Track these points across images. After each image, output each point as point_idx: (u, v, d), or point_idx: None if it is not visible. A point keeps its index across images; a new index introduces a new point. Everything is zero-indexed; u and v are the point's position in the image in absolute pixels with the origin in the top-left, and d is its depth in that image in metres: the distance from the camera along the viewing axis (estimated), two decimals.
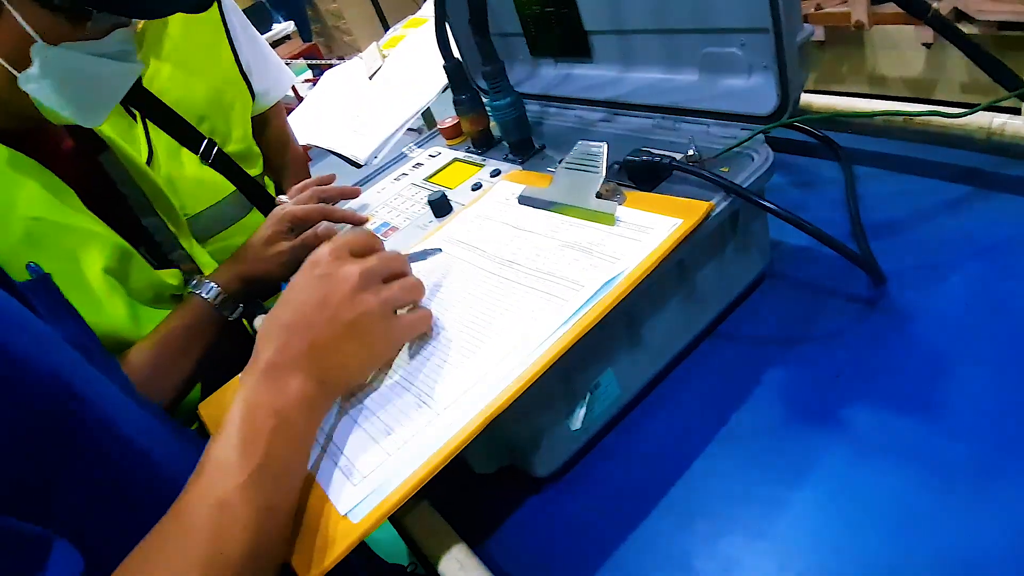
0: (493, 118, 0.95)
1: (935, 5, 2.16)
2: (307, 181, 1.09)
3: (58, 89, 0.77)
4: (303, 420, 0.53)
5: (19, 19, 0.72)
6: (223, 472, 0.47)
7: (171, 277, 1.01)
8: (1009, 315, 0.66)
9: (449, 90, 1.03)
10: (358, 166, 1.66)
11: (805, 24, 0.72)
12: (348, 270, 0.60)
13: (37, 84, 0.76)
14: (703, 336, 0.78)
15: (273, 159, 1.51)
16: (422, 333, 0.66)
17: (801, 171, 1.01)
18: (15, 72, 0.75)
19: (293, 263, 0.98)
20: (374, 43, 2.11)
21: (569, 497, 0.68)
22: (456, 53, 1.04)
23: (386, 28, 3.81)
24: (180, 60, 1.28)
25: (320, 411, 0.57)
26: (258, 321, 1.03)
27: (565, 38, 1.00)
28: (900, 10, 2.06)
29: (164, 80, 1.25)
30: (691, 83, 0.87)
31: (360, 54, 2.21)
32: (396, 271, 0.65)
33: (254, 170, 1.40)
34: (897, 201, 0.87)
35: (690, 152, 0.75)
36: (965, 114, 0.78)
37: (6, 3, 0.72)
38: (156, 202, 1.04)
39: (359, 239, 0.65)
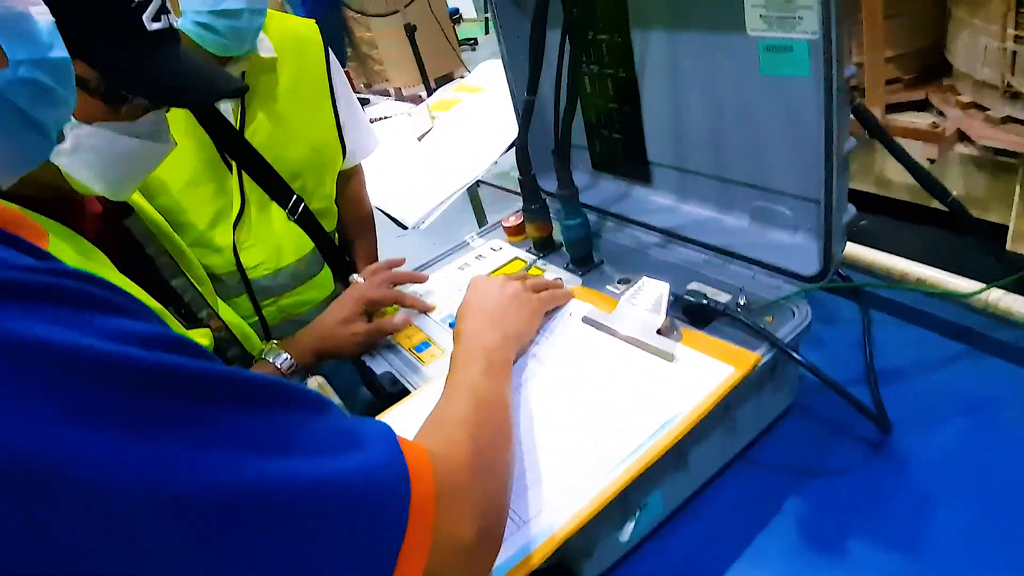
0: (561, 232, 1.07)
1: (942, 125, 2.31)
2: (380, 264, 1.17)
3: (89, 165, 0.79)
4: (502, 355, 0.82)
5: (74, 103, 0.76)
6: (469, 374, 0.75)
7: (201, 337, 1.03)
8: (989, 470, 0.79)
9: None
10: (403, 227, 1.76)
11: (850, 205, 0.85)
12: (512, 283, 0.94)
13: (69, 159, 0.78)
14: (735, 459, 0.89)
15: (346, 215, 1.57)
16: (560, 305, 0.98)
17: (823, 304, 1.13)
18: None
19: (366, 345, 1.06)
20: (424, 104, 2.23)
21: None
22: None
23: (420, 65, 3.95)
24: (285, 117, 1.31)
25: (510, 351, 0.85)
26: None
27: (629, 162, 1.12)
28: (911, 124, 2.22)
29: (266, 136, 1.29)
30: (741, 228, 0.99)
31: (407, 110, 2.33)
32: (547, 285, 0.99)
33: (329, 225, 1.46)
34: (905, 351, 0.99)
35: (740, 301, 0.87)
36: (975, 294, 0.91)
37: None
38: (182, 263, 1.07)
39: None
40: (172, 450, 0.40)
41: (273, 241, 1.32)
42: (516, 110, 1.19)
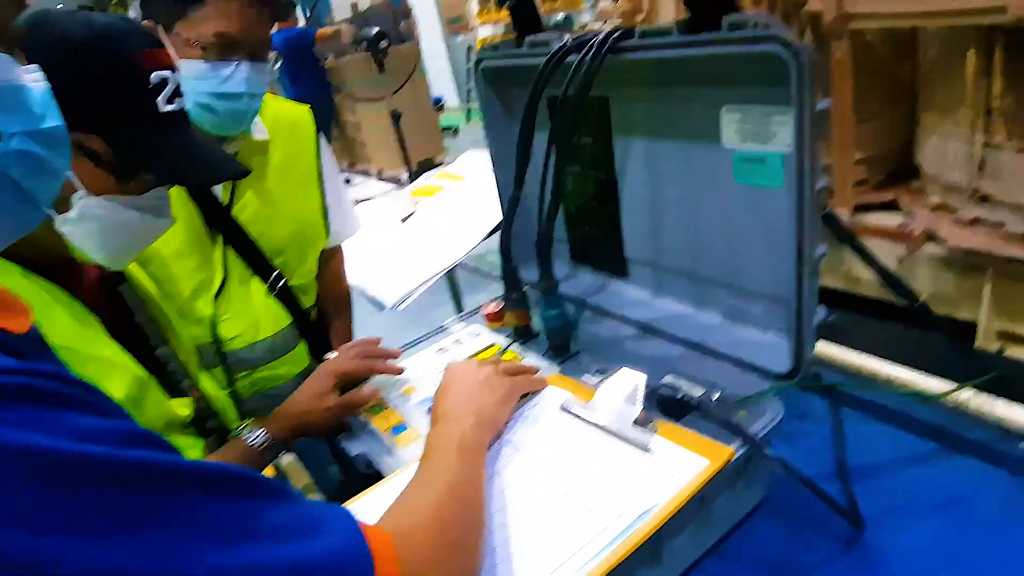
0: (540, 321, 1.09)
1: (911, 226, 2.41)
2: (355, 342, 1.19)
3: (91, 234, 0.82)
4: (475, 439, 0.82)
5: (69, 171, 0.79)
6: (441, 458, 0.76)
7: (182, 407, 1.04)
8: (962, 567, 0.81)
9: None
10: (381, 308, 1.78)
11: (820, 306, 0.89)
12: (487, 368, 0.95)
13: (72, 228, 0.81)
14: (708, 553, 0.89)
15: (325, 294, 1.59)
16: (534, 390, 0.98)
17: (796, 399, 1.15)
18: (54, 214, 0.80)
19: (338, 418, 1.07)
20: (407, 188, 2.29)
21: None
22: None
23: (403, 149, 4.06)
24: (272, 196, 1.36)
25: (484, 435, 0.85)
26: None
27: (607, 257, 1.16)
28: (880, 224, 2.30)
29: (253, 213, 1.32)
30: (715, 324, 1.03)
31: (389, 191, 2.38)
32: (521, 369, 0.98)
33: (308, 302, 1.48)
34: (877, 448, 1.02)
35: (714, 396, 0.89)
36: (945, 394, 0.94)
37: None
38: (168, 332, 1.09)
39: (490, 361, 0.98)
40: (140, 545, 0.42)
41: (252, 315, 1.34)
42: (501, 203, 1.24)
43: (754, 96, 0.83)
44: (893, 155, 2.47)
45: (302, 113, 1.49)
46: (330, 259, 1.62)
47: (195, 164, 0.90)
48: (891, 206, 2.48)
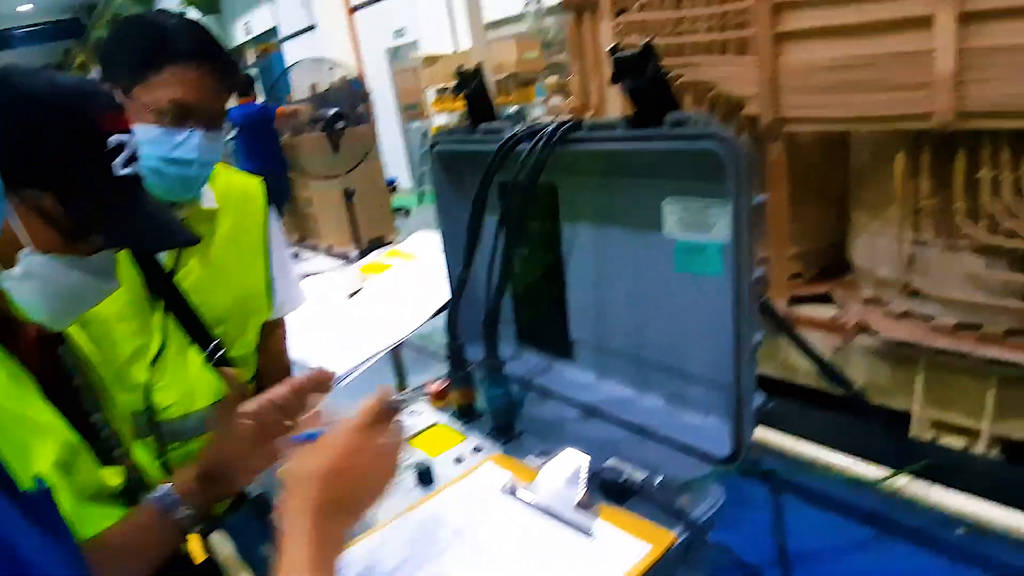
0: (485, 401, 1.09)
1: (844, 318, 2.49)
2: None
3: (36, 293, 0.81)
4: (333, 523, 0.72)
5: (20, 227, 0.78)
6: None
7: (113, 476, 0.99)
8: None
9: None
10: None
11: (759, 391, 0.91)
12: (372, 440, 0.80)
13: (16, 284, 0.79)
14: None
15: (265, 367, 1.55)
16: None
17: (737, 485, 1.16)
18: None
19: (254, 434, 0.97)
20: (356, 264, 2.29)
21: None
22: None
23: (354, 227, 4.09)
24: (217, 264, 1.34)
25: (344, 519, 0.75)
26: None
27: (553, 338, 1.18)
28: (815, 316, 2.39)
29: (196, 280, 1.29)
30: (658, 408, 1.04)
31: (337, 267, 2.38)
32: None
33: (246, 374, 1.45)
34: (816, 533, 1.03)
35: (656, 480, 0.90)
36: (881, 481, 0.97)
37: (14, 211, 0.77)
38: (103, 399, 1.04)
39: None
40: None
41: (187, 384, 1.30)
42: (450, 281, 1.25)
43: (694, 189, 0.87)
44: (827, 250, 2.59)
45: (253, 185, 1.49)
46: (272, 332, 1.59)
47: (146, 229, 0.89)
48: (825, 299, 2.58)
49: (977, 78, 1.68)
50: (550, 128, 0.91)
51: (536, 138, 0.92)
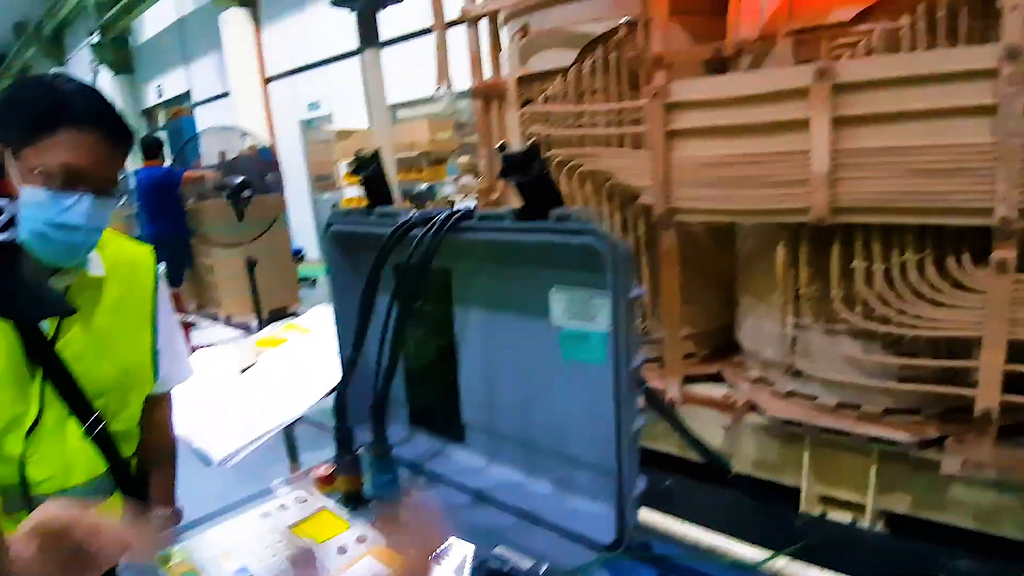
0: (372, 486, 1.06)
1: (734, 397, 2.58)
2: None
3: None
4: None
5: None
6: None
7: None
8: None
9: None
10: (208, 463, 1.66)
11: (640, 479, 0.93)
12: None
13: None
14: None
15: (148, 443, 1.47)
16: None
17: (624, 570, 1.17)
18: None
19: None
20: (251, 338, 2.22)
21: None
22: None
23: (255, 298, 3.98)
24: (101, 334, 1.28)
25: None
26: None
27: (444, 421, 1.17)
28: (707, 395, 2.46)
29: (78, 349, 1.23)
30: (545, 493, 1.05)
31: (236, 337, 2.30)
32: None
33: (128, 450, 1.37)
34: None
35: (542, 569, 0.89)
36: (763, 563, 0.99)
37: None
38: None
39: None
40: None
41: (64, 457, 1.23)
42: (341, 362, 1.23)
43: (579, 280, 0.90)
44: (718, 331, 2.71)
45: (143, 254, 1.45)
46: (156, 406, 1.52)
47: (19, 298, 0.85)
48: (717, 378, 2.68)
49: (849, 177, 1.83)
50: (441, 216, 0.93)
51: (428, 226, 0.94)
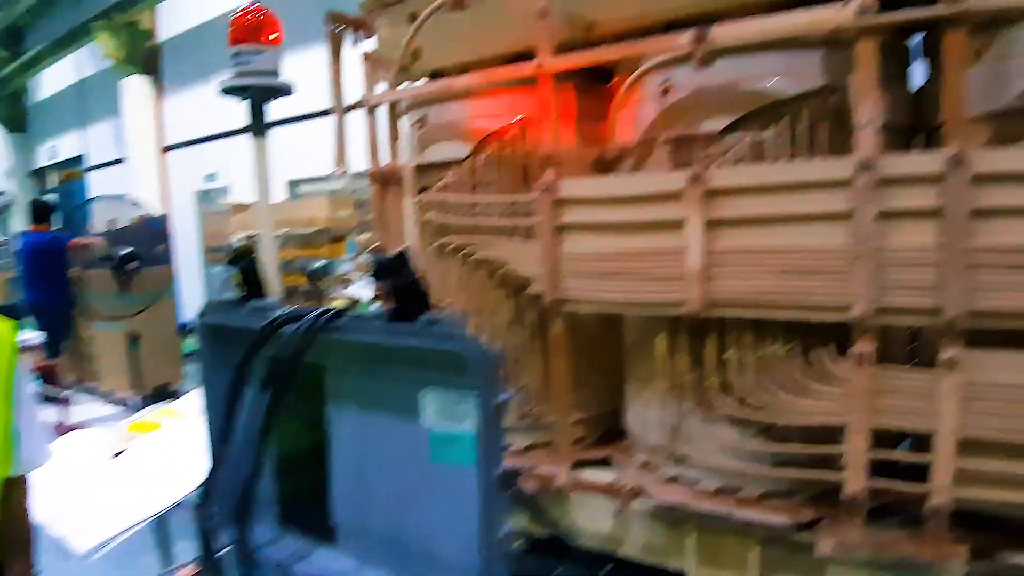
0: None
1: (622, 481, 2.60)
2: None
3: None
4: None
5: None
6: None
7: None
8: None
9: None
10: (71, 554, 1.56)
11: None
12: None
13: None
14: None
15: (4, 529, 1.39)
16: None
17: None
18: None
19: None
20: (124, 422, 2.11)
21: None
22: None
23: (136, 374, 3.79)
24: None
25: None
26: None
27: (314, 521, 1.14)
28: (597, 480, 2.48)
29: None
30: None
31: (113, 413, 2.18)
32: None
33: None
34: None
35: None
36: None
37: None
38: None
39: None
40: None
41: None
42: (209, 457, 1.19)
43: (448, 382, 0.92)
44: (607, 416, 2.76)
45: (4, 330, 1.39)
46: (13, 489, 1.43)
47: None
48: (607, 462, 2.71)
49: (721, 274, 1.95)
50: (313, 315, 0.93)
51: (299, 323, 0.94)
